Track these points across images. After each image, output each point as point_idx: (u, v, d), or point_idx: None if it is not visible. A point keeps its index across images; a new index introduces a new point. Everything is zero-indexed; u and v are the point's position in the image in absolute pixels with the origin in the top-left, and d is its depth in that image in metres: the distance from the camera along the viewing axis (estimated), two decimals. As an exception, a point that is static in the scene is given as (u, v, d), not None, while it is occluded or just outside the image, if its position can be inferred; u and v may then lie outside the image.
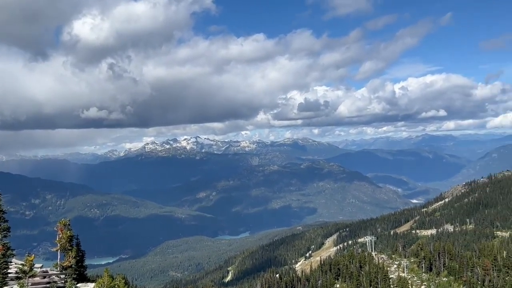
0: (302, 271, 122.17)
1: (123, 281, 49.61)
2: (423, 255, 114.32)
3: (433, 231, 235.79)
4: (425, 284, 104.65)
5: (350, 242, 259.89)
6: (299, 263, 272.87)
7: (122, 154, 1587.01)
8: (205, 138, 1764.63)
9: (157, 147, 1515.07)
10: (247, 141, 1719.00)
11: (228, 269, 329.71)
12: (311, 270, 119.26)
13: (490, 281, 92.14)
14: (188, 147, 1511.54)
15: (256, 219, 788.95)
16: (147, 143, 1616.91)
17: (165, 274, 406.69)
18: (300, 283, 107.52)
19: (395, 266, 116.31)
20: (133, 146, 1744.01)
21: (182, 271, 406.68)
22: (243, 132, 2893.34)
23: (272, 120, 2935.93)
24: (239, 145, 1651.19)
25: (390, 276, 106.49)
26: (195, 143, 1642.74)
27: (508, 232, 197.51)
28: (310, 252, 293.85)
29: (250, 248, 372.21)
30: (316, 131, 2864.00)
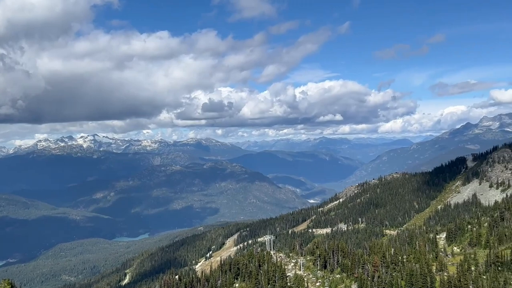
0: (202, 272, 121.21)
1: (9, 286, 45.84)
2: (318, 253, 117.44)
3: (328, 230, 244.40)
4: (320, 281, 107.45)
5: (250, 241, 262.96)
6: (199, 264, 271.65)
7: (11, 151, 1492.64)
8: (103, 136, 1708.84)
9: (51, 144, 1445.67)
10: (148, 140, 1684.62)
11: (126, 271, 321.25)
12: (211, 270, 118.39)
13: (379, 277, 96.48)
14: (85, 145, 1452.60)
15: (157, 220, 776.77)
16: (40, 140, 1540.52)
17: (57, 278, 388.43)
18: (200, 283, 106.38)
19: (292, 264, 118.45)
20: (24, 143, 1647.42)
21: (76, 275, 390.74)
22: (145, 131, 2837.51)
23: (175, 119, 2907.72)
24: (140, 144, 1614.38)
25: (288, 274, 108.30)
26: (92, 141, 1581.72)
27: (396, 231, 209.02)
28: (210, 252, 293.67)
29: (149, 249, 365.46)
30: (219, 131, 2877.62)
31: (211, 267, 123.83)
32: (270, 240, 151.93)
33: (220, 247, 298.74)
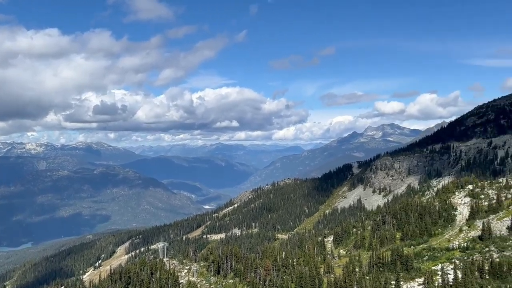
0: (91, 282, 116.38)
1: None
2: (212, 259, 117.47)
3: (223, 235, 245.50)
4: (213, 287, 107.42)
5: (142, 249, 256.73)
6: (87, 274, 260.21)
7: None
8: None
9: None
10: (33, 143, 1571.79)
11: (5, 284, 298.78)
12: (100, 280, 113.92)
13: (270, 280, 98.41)
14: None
15: (42, 229, 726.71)
16: None
17: None
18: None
19: (186, 271, 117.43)
20: None
21: None
22: (29, 133, 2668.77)
23: (63, 121, 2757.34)
24: (24, 147, 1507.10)
25: (181, 281, 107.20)
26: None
27: (287, 234, 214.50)
28: (100, 261, 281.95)
29: (32, 259, 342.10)
30: (112, 135, 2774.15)
31: (100, 277, 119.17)
32: (163, 247, 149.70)
33: (111, 256, 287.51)
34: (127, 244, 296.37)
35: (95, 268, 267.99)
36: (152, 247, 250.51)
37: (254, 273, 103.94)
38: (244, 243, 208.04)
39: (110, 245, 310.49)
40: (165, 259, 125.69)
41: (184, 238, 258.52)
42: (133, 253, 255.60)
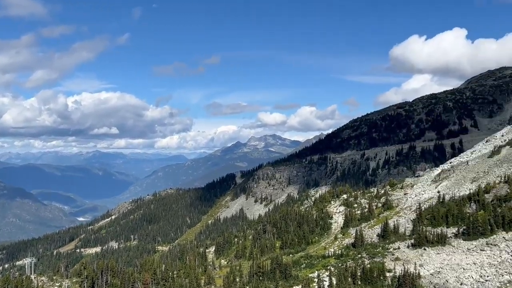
0: None
1: None
2: (85, 274, 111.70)
3: (98, 249, 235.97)
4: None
5: (6, 265, 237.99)
6: None
7: None
8: None
9: None
10: None
11: None
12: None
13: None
14: None
15: None
16: None
17: None
18: None
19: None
20: None
21: None
22: None
23: None
24: None
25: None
26: None
27: (168, 246, 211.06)
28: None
29: None
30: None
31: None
32: (30, 263, 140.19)
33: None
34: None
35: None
36: (18, 263, 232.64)
37: (132, 287, 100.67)
38: (121, 256, 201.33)
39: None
40: (32, 276, 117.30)
41: (55, 253, 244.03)
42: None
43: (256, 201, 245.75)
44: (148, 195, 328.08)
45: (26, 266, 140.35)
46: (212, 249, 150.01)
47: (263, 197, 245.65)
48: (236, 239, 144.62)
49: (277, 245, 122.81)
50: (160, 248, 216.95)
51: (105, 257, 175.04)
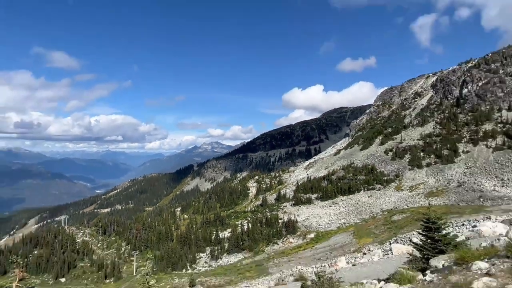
0: (5, 245, 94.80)
1: None
2: (100, 225, 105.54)
3: (108, 209, 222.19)
4: (100, 243, 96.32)
5: (49, 220, 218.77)
6: (3, 240, 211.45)
7: None
8: None
9: None
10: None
11: None
12: (13, 243, 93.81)
13: (140, 236, 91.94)
14: None
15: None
16: None
17: None
18: (3, 254, 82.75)
19: (81, 234, 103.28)
20: None
21: None
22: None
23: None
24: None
25: (77, 241, 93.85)
26: None
27: (152, 208, 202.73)
28: (14, 230, 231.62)
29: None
30: (28, 143, 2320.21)
31: (13, 241, 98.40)
32: (65, 218, 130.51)
33: (23, 227, 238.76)
34: (37, 217, 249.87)
35: (9, 235, 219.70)
36: (57, 219, 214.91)
37: (129, 232, 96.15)
38: (123, 214, 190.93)
39: (23, 219, 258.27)
40: (66, 227, 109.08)
41: (80, 212, 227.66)
42: (41, 223, 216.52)
43: (206, 180, 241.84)
44: (140, 177, 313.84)
45: (62, 221, 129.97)
46: (179, 209, 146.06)
47: (210, 178, 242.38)
48: (193, 203, 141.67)
49: (218, 205, 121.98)
50: (147, 209, 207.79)
51: (113, 215, 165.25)
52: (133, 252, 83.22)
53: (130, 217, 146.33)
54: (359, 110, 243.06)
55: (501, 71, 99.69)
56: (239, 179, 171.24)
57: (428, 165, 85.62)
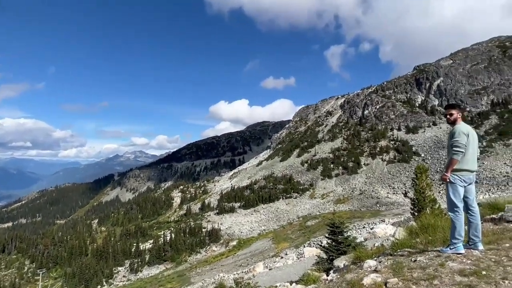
0: None
1: None
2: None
3: (10, 224, 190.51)
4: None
5: None
6: None
7: None
8: None
9: None
10: None
11: None
12: None
13: (48, 252, 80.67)
14: None
15: None
16: None
17: None
18: None
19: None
20: None
21: None
22: None
23: None
24: None
25: (-35, 262, 78.11)
26: None
27: (65, 220, 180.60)
28: None
29: None
30: None
31: None
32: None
33: None
34: None
35: None
36: None
37: (35, 248, 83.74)
38: (28, 228, 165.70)
39: None
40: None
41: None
42: None
43: (127, 190, 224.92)
44: (51, 187, 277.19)
45: None
46: (96, 221, 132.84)
47: (132, 188, 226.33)
48: (112, 214, 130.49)
49: (139, 216, 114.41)
50: (58, 222, 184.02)
51: (15, 229, 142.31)
52: (38, 270, 72.39)
53: (37, 232, 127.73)
54: (279, 125, 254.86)
55: (393, 97, 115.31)
56: (163, 189, 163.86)
57: (336, 175, 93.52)
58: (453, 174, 4.82)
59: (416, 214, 14.28)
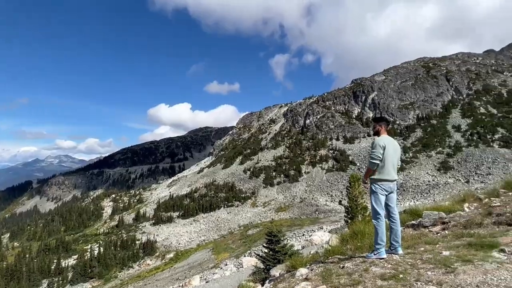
0: None
1: None
2: None
3: None
4: None
5: None
6: None
7: None
8: None
9: None
10: None
11: None
12: None
13: None
14: None
15: None
16: None
17: None
18: None
19: None
20: None
21: None
22: None
23: None
24: None
25: None
26: None
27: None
28: None
29: None
30: None
31: None
32: None
33: None
34: None
35: None
36: None
37: None
38: None
39: None
40: None
41: None
42: None
43: (48, 200, 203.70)
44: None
45: None
46: (7, 235, 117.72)
47: (54, 197, 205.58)
48: (28, 227, 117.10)
49: (62, 229, 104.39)
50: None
51: None
52: None
53: None
54: (222, 131, 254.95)
55: (332, 108, 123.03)
56: (92, 197, 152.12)
57: (278, 183, 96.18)
58: (375, 184, 5.35)
59: (349, 221, 15.30)
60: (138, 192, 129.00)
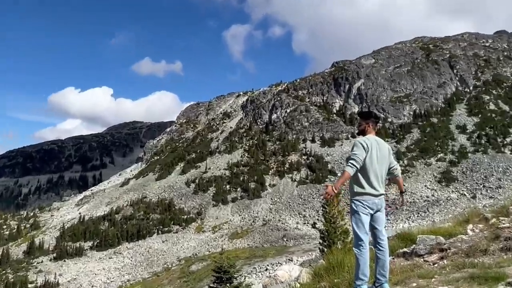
0: None
1: None
2: None
3: None
4: None
5: None
6: None
7: None
8: None
9: None
10: None
11: None
12: None
13: None
14: None
15: None
16: None
17: None
18: None
19: None
20: None
21: None
22: None
23: None
24: None
25: None
26: None
27: None
28: None
29: None
30: None
31: None
32: None
33: None
34: None
35: None
36: None
37: None
38: None
39: None
40: None
41: None
42: None
43: None
44: None
45: None
46: None
47: None
48: None
49: None
50: None
51: None
52: None
53: None
54: (157, 128, 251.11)
55: (307, 99, 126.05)
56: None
57: (234, 200, 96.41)
58: (355, 200, 5.33)
59: (325, 249, 15.72)
60: (32, 214, 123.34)
